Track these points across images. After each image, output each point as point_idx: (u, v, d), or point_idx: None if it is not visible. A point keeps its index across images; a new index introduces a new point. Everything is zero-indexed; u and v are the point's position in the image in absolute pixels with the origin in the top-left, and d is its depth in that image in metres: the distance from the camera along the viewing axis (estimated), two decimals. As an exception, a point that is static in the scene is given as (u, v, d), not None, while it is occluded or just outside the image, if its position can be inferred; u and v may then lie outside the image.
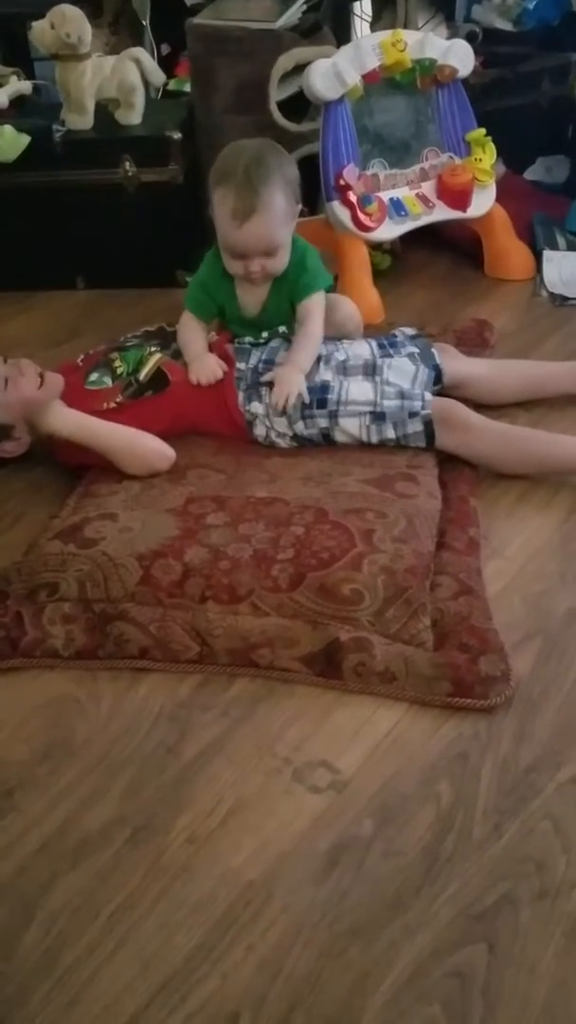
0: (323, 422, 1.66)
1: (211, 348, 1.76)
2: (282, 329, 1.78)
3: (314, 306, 1.73)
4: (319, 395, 1.66)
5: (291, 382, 1.65)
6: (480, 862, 1.08)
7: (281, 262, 1.68)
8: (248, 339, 1.78)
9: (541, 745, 1.21)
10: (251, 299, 1.76)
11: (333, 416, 1.65)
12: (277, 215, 1.62)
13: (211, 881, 1.07)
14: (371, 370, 1.70)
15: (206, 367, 1.70)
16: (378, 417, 1.65)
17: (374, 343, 1.79)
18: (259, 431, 1.70)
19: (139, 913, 1.04)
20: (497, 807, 1.14)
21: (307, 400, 1.65)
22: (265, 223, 1.62)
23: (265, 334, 1.79)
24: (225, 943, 1.01)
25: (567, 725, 1.23)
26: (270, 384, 1.67)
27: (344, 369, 1.71)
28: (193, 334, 1.76)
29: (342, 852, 1.09)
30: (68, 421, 1.66)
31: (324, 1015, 0.95)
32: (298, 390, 1.64)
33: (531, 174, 2.82)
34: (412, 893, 1.05)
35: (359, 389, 1.67)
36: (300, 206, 1.69)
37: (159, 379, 1.72)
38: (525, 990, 0.96)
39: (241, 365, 1.72)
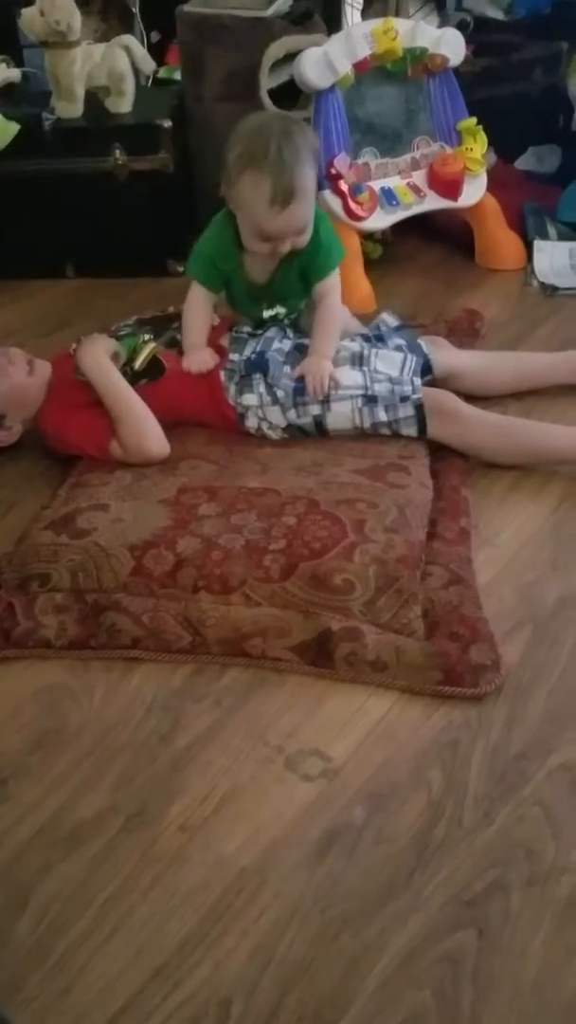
0: (315, 409, 1.66)
1: (210, 335, 1.76)
2: (280, 313, 1.77)
3: (331, 287, 1.71)
4: None
5: (320, 369, 1.65)
6: (471, 848, 1.09)
7: (308, 235, 1.64)
8: (246, 329, 1.77)
9: (531, 732, 1.22)
10: (260, 268, 1.72)
11: (325, 402, 1.66)
12: (311, 194, 1.59)
13: (204, 868, 1.08)
14: (359, 360, 1.70)
15: (199, 358, 1.70)
16: (370, 400, 1.65)
17: (360, 339, 1.79)
18: (251, 423, 1.70)
19: (132, 900, 1.05)
20: (487, 794, 1.14)
21: (338, 381, 1.65)
22: (303, 206, 1.58)
23: (268, 312, 1.77)
24: (218, 930, 1.02)
25: (557, 713, 1.24)
26: (301, 378, 1.67)
27: (333, 360, 1.70)
28: (197, 316, 1.74)
29: (334, 839, 1.10)
30: (100, 365, 1.68)
31: (316, 1000, 0.96)
32: (328, 373, 1.65)
33: (522, 164, 2.82)
34: (403, 879, 1.06)
35: (348, 376, 1.67)
36: (318, 163, 1.66)
37: (155, 367, 1.71)
38: (515, 974, 0.97)
39: (234, 356, 1.72)
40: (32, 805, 1.16)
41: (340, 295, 1.73)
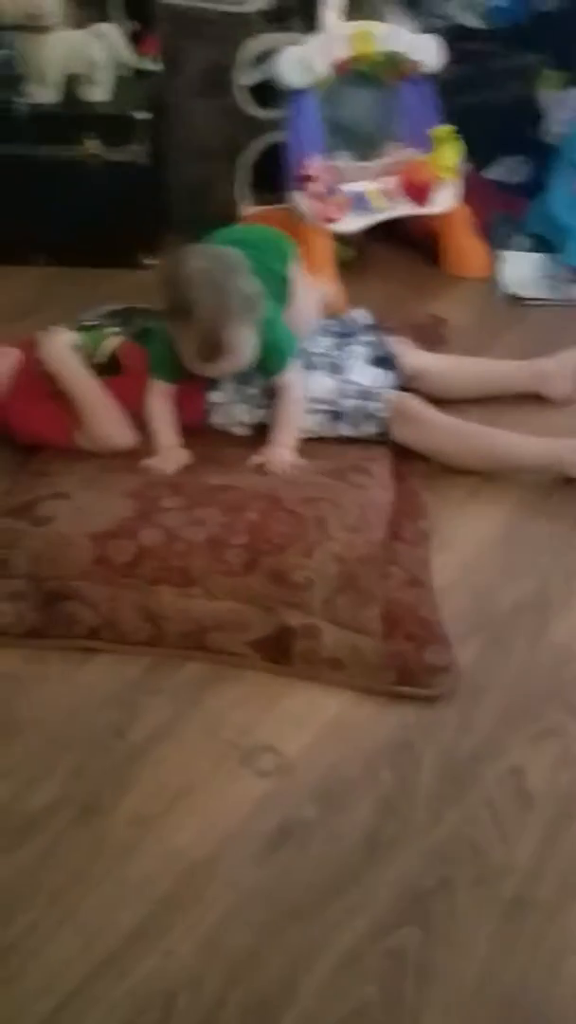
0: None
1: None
2: None
3: (289, 381, 1.65)
4: None
5: (278, 457, 1.60)
6: (420, 847, 1.10)
7: (244, 362, 1.59)
8: None
9: (483, 735, 1.24)
10: None
11: None
12: (244, 347, 1.55)
13: (155, 861, 1.08)
14: (334, 368, 1.71)
15: (173, 459, 1.61)
16: (335, 416, 1.67)
17: (329, 335, 1.80)
18: (216, 418, 1.70)
19: (83, 891, 1.05)
20: (438, 794, 1.16)
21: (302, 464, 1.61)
22: (232, 359, 1.55)
23: None
24: (167, 922, 1.03)
25: (508, 717, 1.26)
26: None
27: (309, 363, 1.71)
28: (163, 419, 1.65)
29: (286, 835, 1.11)
30: (60, 356, 1.67)
31: (262, 993, 0.97)
32: (290, 462, 1.60)
33: (492, 173, 2.85)
34: (352, 876, 1.07)
35: (321, 385, 1.68)
36: (258, 306, 1.56)
37: (114, 363, 1.70)
38: (458, 970, 0.99)
39: None
40: (-17, 794, 1.16)
41: (301, 387, 1.66)
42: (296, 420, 1.66)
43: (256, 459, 1.62)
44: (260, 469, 1.60)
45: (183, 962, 0.99)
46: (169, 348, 1.60)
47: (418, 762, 1.20)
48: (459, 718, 1.26)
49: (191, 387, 1.67)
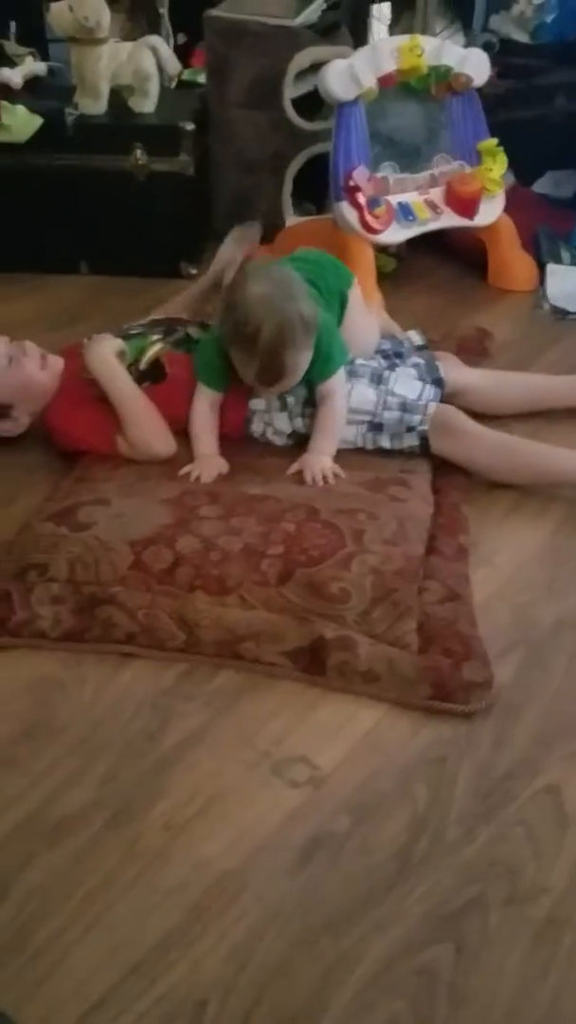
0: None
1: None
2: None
3: (332, 389, 1.64)
4: None
5: (317, 464, 1.60)
6: (452, 864, 1.09)
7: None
8: None
9: (518, 753, 1.22)
10: None
11: None
12: (302, 368, 1.57)
13: (186, 868, 1.08)
14: (378, 378, 1.70)
15: (211, 467, 1.62)
16: (375, 427, 1.67)
17: (379, 355, 1.80)
18: (256, 427, 1.71)
19: (113, 896, 1.05)
20: (472, 811, 1.15)
21: (341, 474, 1.61)
22: (290, 381, 1.58)
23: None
24: (197, 930, 1.02)
25: (545, 735, 1.25)
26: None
27: (352, 371, 1.71)
28: (204, 424, 1.67)
29: (317, 847, 1.11)
30: (105, 363, 1.67)
31: (291, 1005, 0.96)
32: (327, 468, 1.60)
33: (539, 187, 2.84)
34: (384, 890, 1.06)
35: (362, 395, 1.67)
36: (317, 327, 1.55)
37: (157, 370, 1.72)
38: (490, 991, 0.97)
39: None
40: (17, 796, 1.16)
41: (344, 396, 1.66)
42: (337, 429, 1.66)
43: (295, 467, 1.62)
44: (298, 476, 1.60)
45: (213, 972, 0.99)
46: (218, 357, 1.61)
47: (452, 778, 1.19)
48: (495, 735, 1.24)
49: (235, 397, 1.67)
